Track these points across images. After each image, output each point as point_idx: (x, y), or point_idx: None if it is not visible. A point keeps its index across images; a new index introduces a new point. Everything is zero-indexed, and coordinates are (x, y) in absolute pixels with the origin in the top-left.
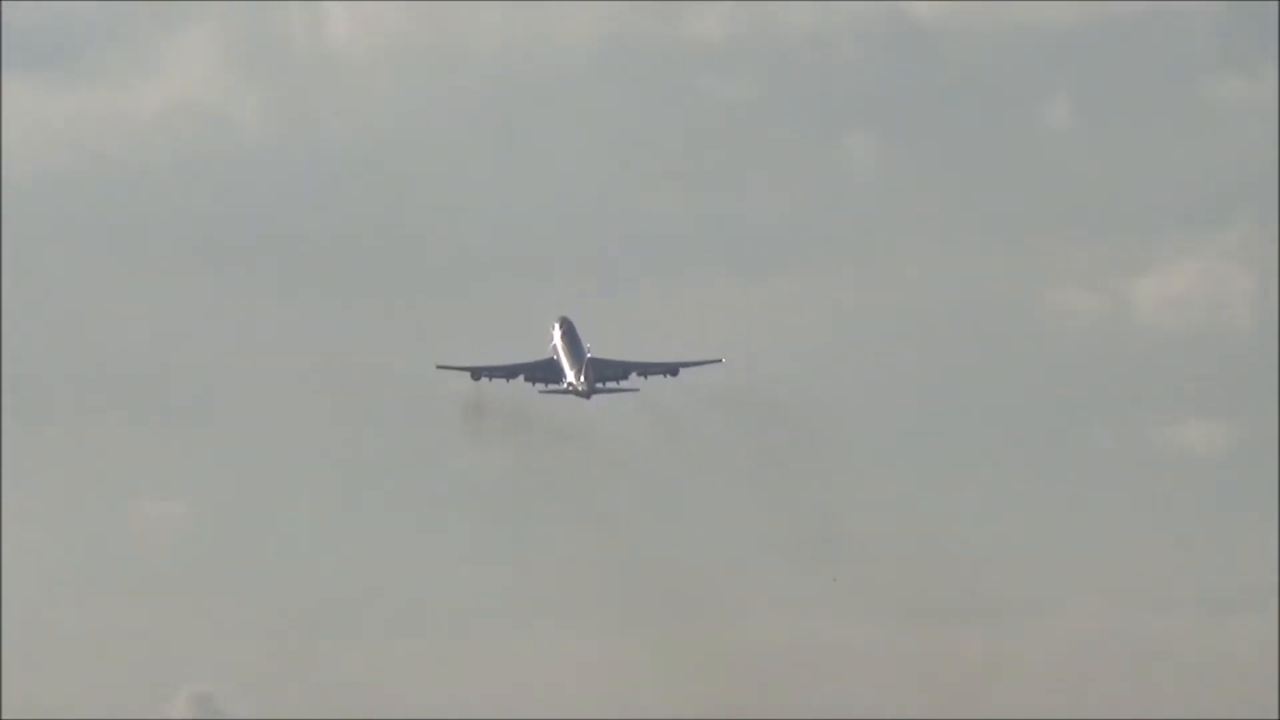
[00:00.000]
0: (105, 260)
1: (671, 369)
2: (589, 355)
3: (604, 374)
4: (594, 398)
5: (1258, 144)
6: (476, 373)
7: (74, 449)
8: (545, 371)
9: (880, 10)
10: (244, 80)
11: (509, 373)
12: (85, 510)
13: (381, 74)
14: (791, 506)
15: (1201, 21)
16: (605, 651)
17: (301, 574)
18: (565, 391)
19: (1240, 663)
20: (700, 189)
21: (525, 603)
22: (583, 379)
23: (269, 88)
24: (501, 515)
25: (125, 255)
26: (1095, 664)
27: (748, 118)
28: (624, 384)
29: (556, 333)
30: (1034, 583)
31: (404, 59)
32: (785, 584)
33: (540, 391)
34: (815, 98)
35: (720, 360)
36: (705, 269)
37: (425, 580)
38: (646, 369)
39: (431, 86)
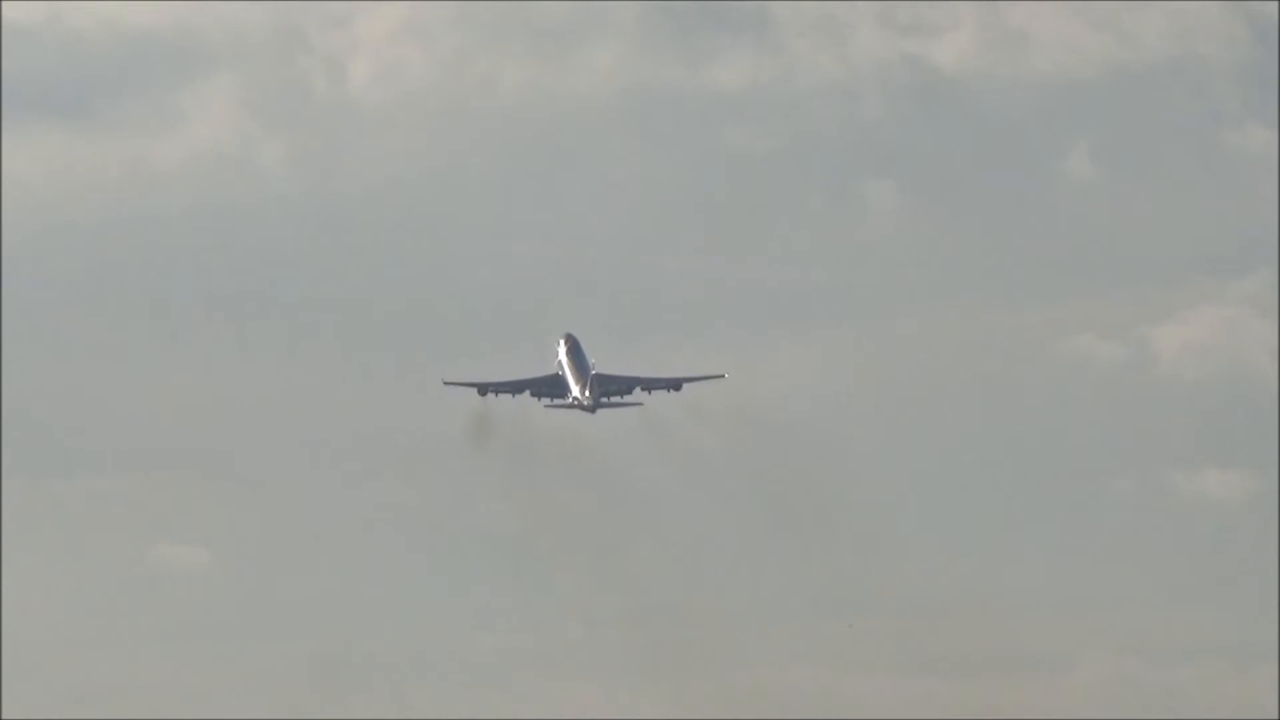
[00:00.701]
0: (125, 309)
1: (675, 384)
2: (594, 371)
3: (608, 389)
4: (599, 412)
5: (1277, 194)
6: (483, 388)
7: (92, 499)
8: (551, 387)
9: (901, 59)
10: (265, 129)
11: (515, 388)
12: (102, 558)
13: (402, 122)
14: (807, 554)
15: (1222, 72)
16: (615, 700)
17: (316, 623)
18: (570, 406)
19: (1260, 712)
20: (720, 237)
21: (540, 654)
22: (588, 393)
23: (290, 136)
24: (519, 565)
25: (146, 304)
26: (1112, 715)
27: (768, 166)
28: (628, 399)
29: (562, 349)
30: (1051, 632)
31: (425, 107)
32: (799, 632)
33: (546, 405)
34: (836, 146)
35: (723, 376)
36: (725, 317)
37: (441, 629)
38: (650, 384)
39: (452, 135)
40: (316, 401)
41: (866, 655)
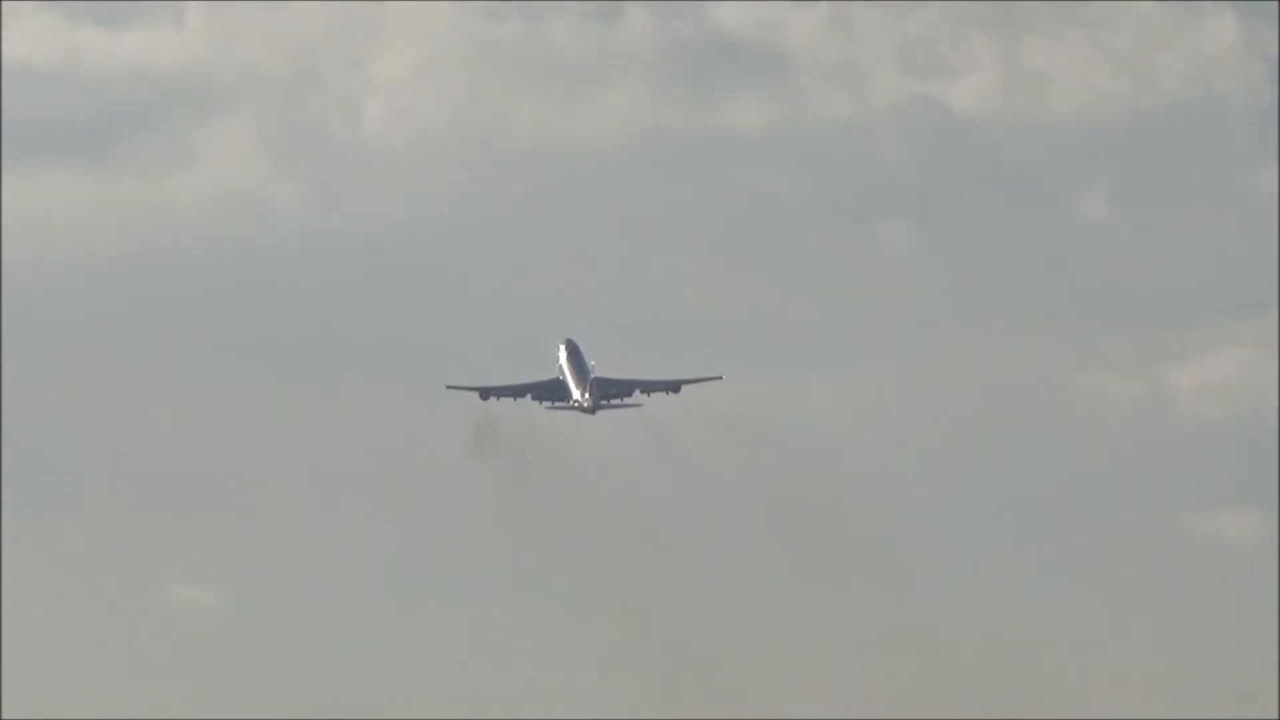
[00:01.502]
0: (139, 347)
1: (674, 386)
2: (593, 375)
3: (608, 392)
4: (599, 413)
5: None
6: (485, 392)
7: (104, 538)
8: (552, 391)
9: (917, 100)
10: (279, 169)
11: (516, 392)
12: (112, 598)
13: (417, 163)
14: (822, 590)
15: (1237, 112)
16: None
17: (325, 660)
18: (571, 408)
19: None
20: (736, 277)
21: (560, 695)
22: (588, 396)
23: (304, 176)
24: (531, 605)
25: (160, 342)
26: None
27: (784, 206)
28: (628, 400)
29: (562, 354)
30: (1058, 670)
31: (440, 148)
32: (812, 670)
33: (547, 407)
34: (852, 186)
35: (721, 378)
36: (742, 357)
37: (454, 666)
38: (649, 386)
39: (467, 176)
40: (330, 439)
41: (878, 690)
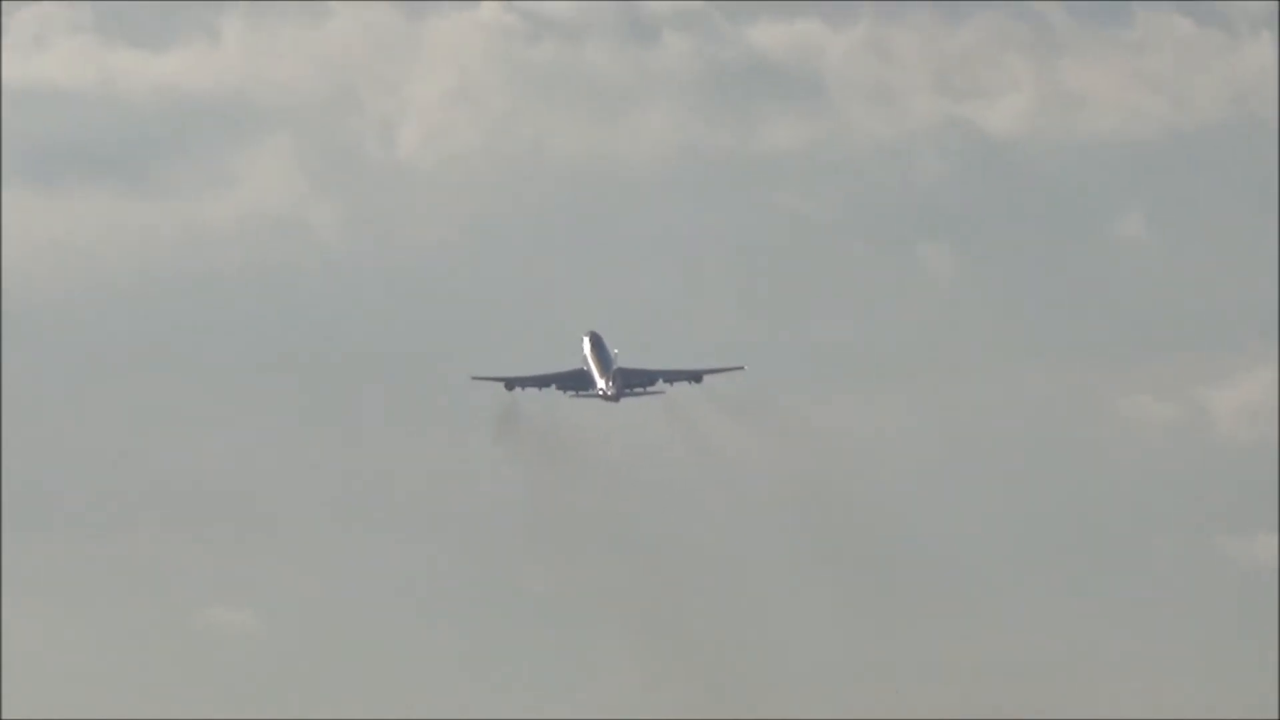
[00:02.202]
0: (176, 370)
1: (696, 376)
2: (616, 365)
3: (631, 382)
4: (622, 401)
5: None
6: (510, 383)
7: (140, 560)
8: (576, 381)
9: (954, 121)
10: (317, 191)
11: (541, 382)
12: (146, 620)
13: (454, 184)
14: (856, 615)
15: (1275, 133)
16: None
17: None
18: (595, 396)
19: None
20: (772, 299)
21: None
22: (611, 386)
23: (343, 199)
24: (568, 632)
25: (198, 365)
26: None
27: (820, 228)
28: (650, 389)
29: (586, 345)
30: (1100, 696)
31: (476, 170)
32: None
33: (571, 396)
34: (888, 208)
35: (742, 367)
36: (778, 378)
37: (485, 691)
38: (671, 376)
39: (504, 198)
40: (366, 462)
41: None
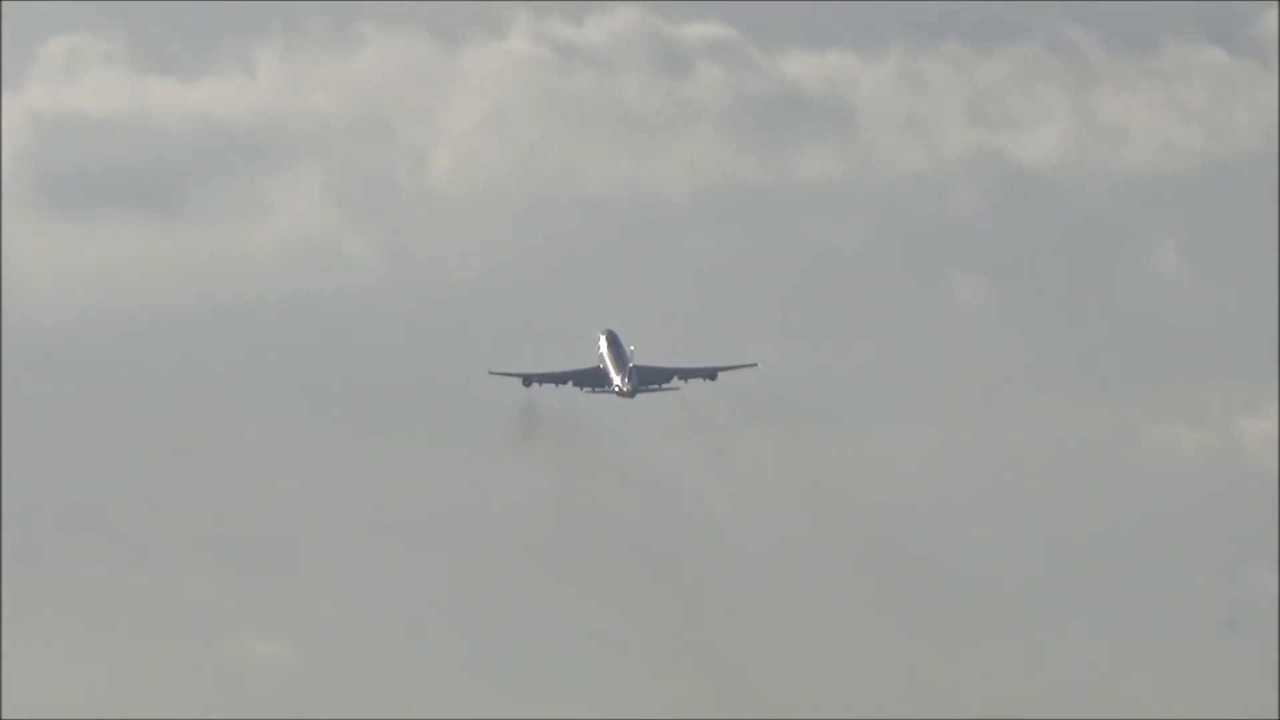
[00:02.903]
0: (209, 398)
1: (710, 373)
2: (632, 363)
3: (647, 379)
4: (638, 397)
5: None
6: (528, 379)
7: (175, 589)
8: (592, 378)
9: (985, 152)
10: (350, 219)
11: (558, 379)
12: (178, 652)
13: (486, 213)
14: (888, 643)
15: None
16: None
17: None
18: (611, 392)
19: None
20: (804, 330)
21: None
22: (627, 383)
23: (375, 227)
24: (603, 657)
25: (229, 393)
26: None
27: (852, 259)
28: (666, 386)
29: (603, 342)
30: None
31: (508, 198)
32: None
33: (587, 392)
34: (922, 239)
35: (756, 364)
36: (809, 409)
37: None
38: (687, 374)
39: (536, 226)
40: (400, 489)
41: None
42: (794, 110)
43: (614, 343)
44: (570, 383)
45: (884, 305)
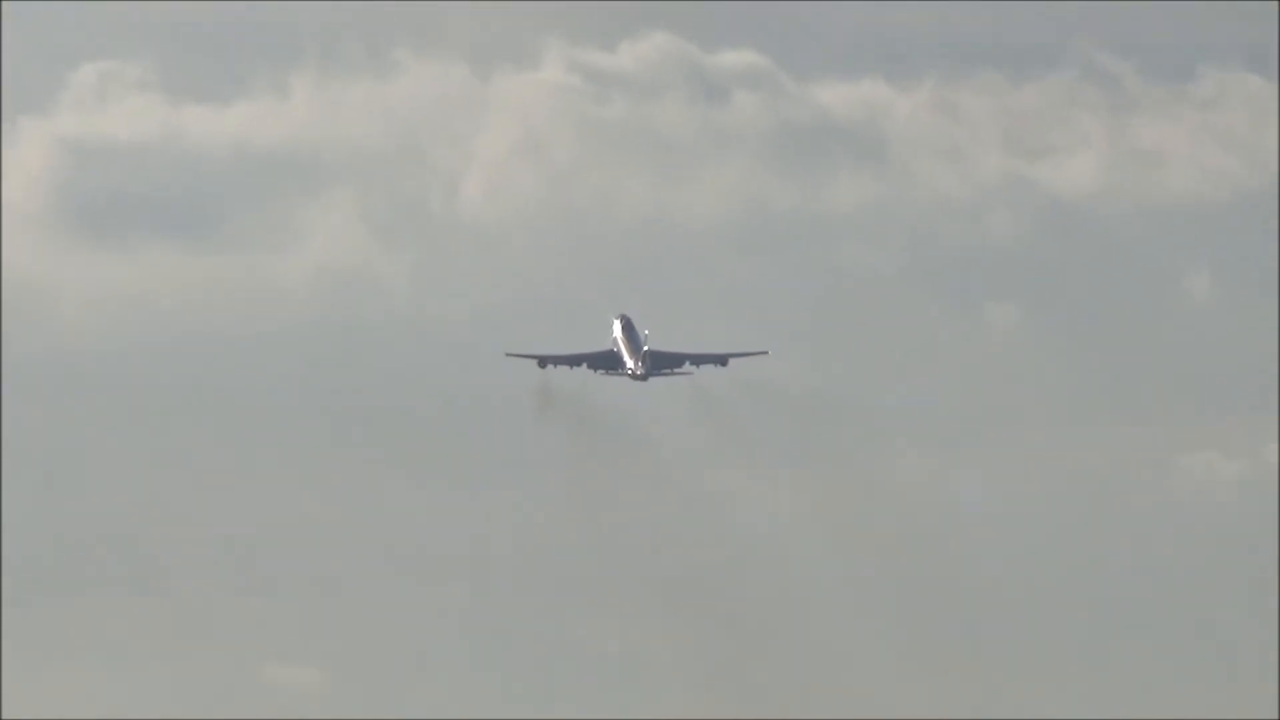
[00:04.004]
0: (245, 424)
1: (721, 359)
2: (646, 347)
3: (660, 364)
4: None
5: None
6: (543, 360)
7: (206, 617)
8: (606, 361)
9: (1019, 181)
10: (383, 246)
11: (573, 361)
12: (208, 679)
13: (519, 239)
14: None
15: None
16: None
17: None
18: (624, 375)
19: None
20: (838, 358)
21: None
22: (640, 367)
23: (409, 253)
24: (635, 683)
25: (265, 420)
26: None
27: (887, 286)
28: (678, 370)
29: (617, 326)
30: None
31: (542, 224)
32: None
33: (601, 374)
34: (957, 267)
35: (766, 352)
36: (843, 437)
37: None
38: (698, 359)
39: (570, 253)
40: (430, 515)
41: None
42: (828, 138)
43: (628, 327)
44: (585, 365)
45: (918, 332)
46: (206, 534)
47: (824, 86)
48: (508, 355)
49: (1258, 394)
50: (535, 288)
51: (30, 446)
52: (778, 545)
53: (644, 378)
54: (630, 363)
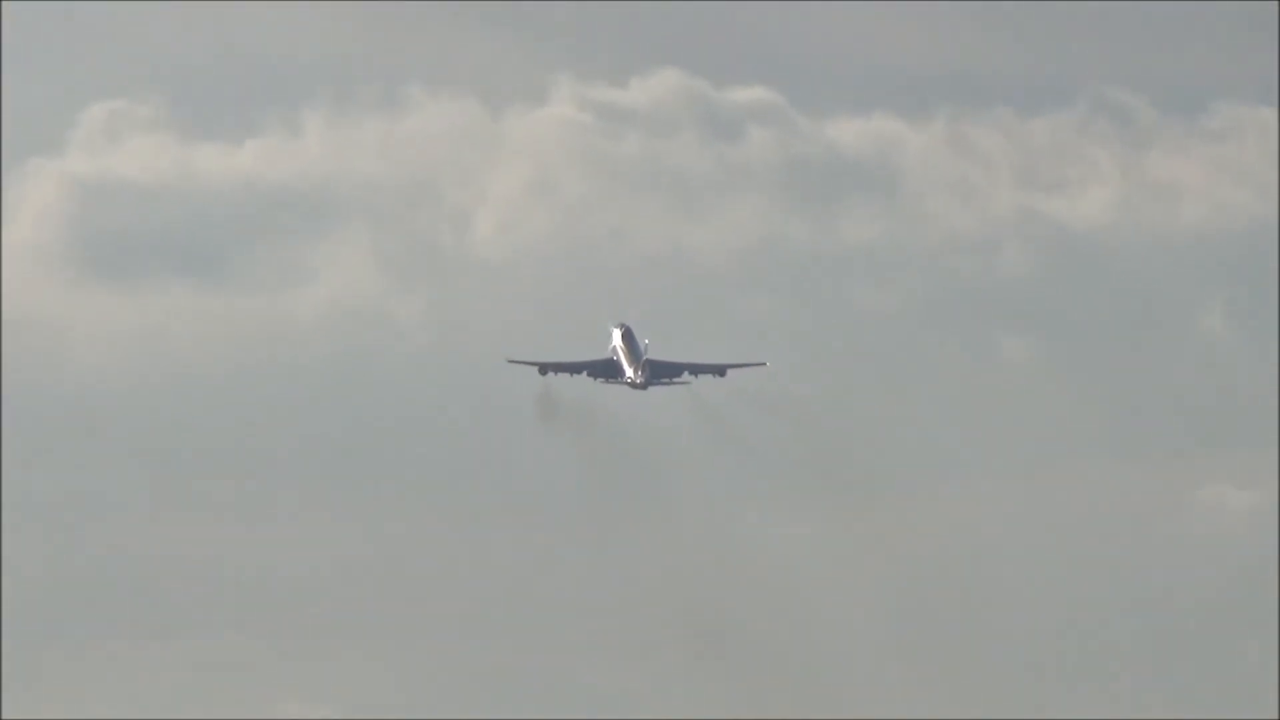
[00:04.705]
0: (259, 462)
1: (720, 370)
2: (646, 356)
3: (659, 373)
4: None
5: None
6: (544, 368)
7: (221, 659)
8: (606, 369)
9: (1033, 215)
10: (397, 283)
11: (573, 369)
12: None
13: (532, 276)
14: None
15: None
16: None
17: None
18: (624, 383)
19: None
20: (852, 393)
21: None
22: (640, 376)
23: (422, 291)
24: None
25: (279, 458)
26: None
27: (900, 322)
28: (677, 380)
29: (617, 335)
30: None
31: (555, 261)
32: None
33: (601, 382)
34: (971, 302)
35: (765, 364)
36: (862, 472)
37: None
38: (697, 369)
39: (583, 289)
40: (447, 559)
41: None
42: (840, 174)
43: (628, 335)
44: (585, 373)
45: (931, 366)
46: (219, 573)
47: (836, 122)
48: (509, 361)
49: (1272, 426)
50: (547, 323)
51: (40, 486)
52: (783, 575)
53: (643, 387)
54: (630, 371)
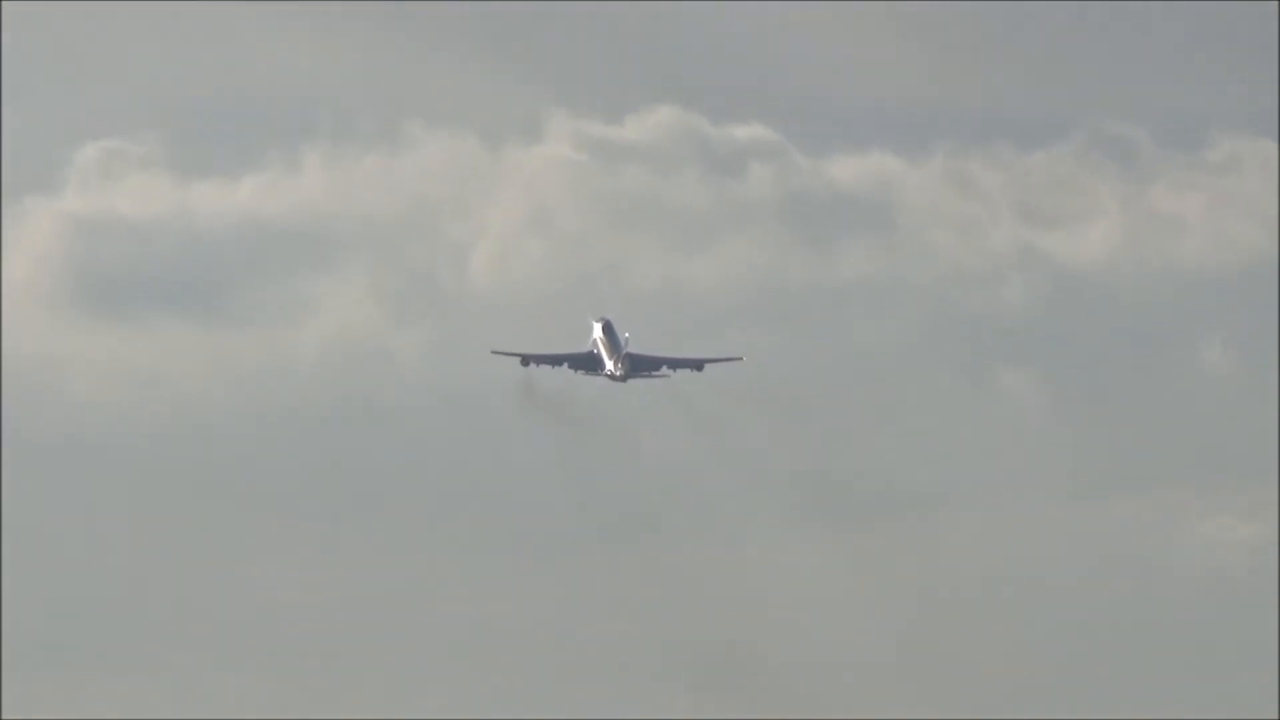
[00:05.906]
0: (257, 500)
1: (697, 364)
2: (626, 350)
3: (638, 366)
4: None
5: None
6: (526, 359)
7: (225, 694)
8: (587, 362)
9: (1030, 251)
10: (393, 319)
11: (555, 360)
12: None
13: (530, 312)
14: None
15: None
16: None
17: None
18: (604, 376)
19: None
20: (851, 429)
21: None
22: (619, 369)
23: (420, 327)
24: None
25: (279, 495)
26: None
27: (899, 358)
28: (655, 374)
29: (597, 329)
30: None
31: (553, 297)
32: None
33: (581, 375)
34: (971, 337)
35: (740, 358)
36: (861, 504)
37: None
38: (675, 364)
39: (582, 325)
40: (445, 593)
41: None
42: (838, 211)
43: (608, 329)
44: (566, 365)
45: (930, 402)
46: (218, 608)
47: (834, 160)
48: (493, 353)
49: (1273, 460)
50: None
51: (37, 524)
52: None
53: (623, 379)
54: (610, 364)
